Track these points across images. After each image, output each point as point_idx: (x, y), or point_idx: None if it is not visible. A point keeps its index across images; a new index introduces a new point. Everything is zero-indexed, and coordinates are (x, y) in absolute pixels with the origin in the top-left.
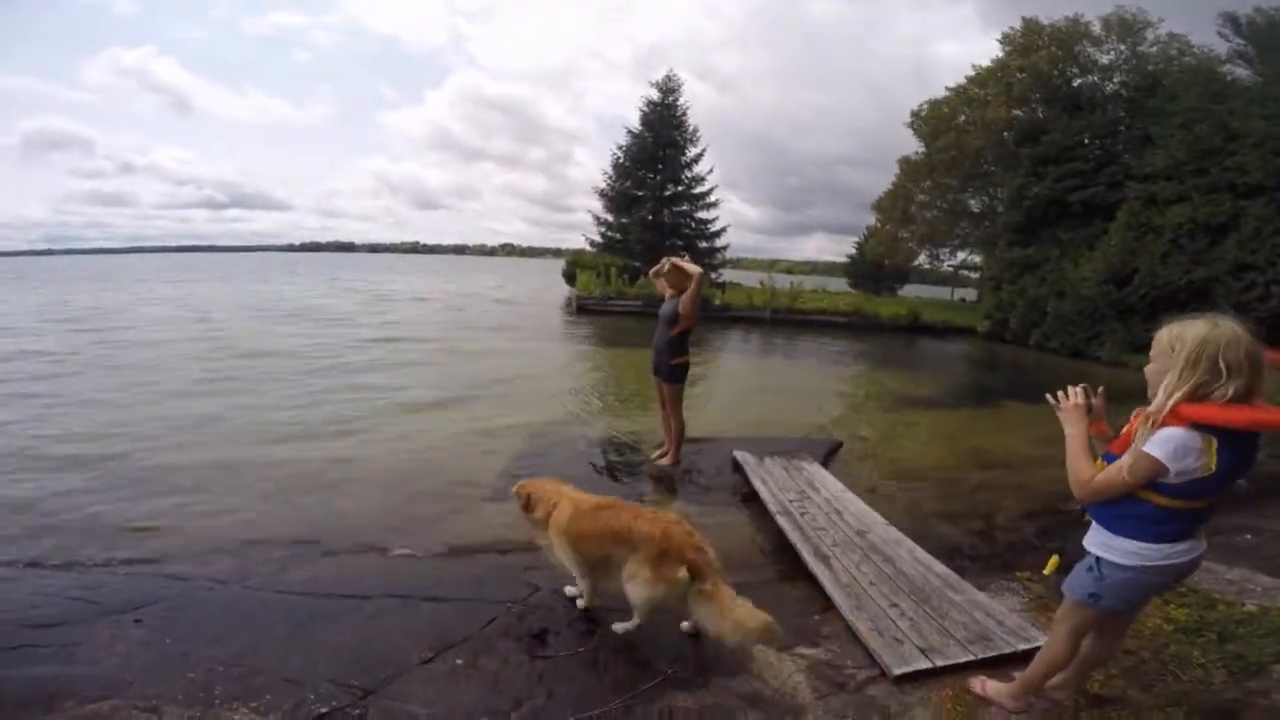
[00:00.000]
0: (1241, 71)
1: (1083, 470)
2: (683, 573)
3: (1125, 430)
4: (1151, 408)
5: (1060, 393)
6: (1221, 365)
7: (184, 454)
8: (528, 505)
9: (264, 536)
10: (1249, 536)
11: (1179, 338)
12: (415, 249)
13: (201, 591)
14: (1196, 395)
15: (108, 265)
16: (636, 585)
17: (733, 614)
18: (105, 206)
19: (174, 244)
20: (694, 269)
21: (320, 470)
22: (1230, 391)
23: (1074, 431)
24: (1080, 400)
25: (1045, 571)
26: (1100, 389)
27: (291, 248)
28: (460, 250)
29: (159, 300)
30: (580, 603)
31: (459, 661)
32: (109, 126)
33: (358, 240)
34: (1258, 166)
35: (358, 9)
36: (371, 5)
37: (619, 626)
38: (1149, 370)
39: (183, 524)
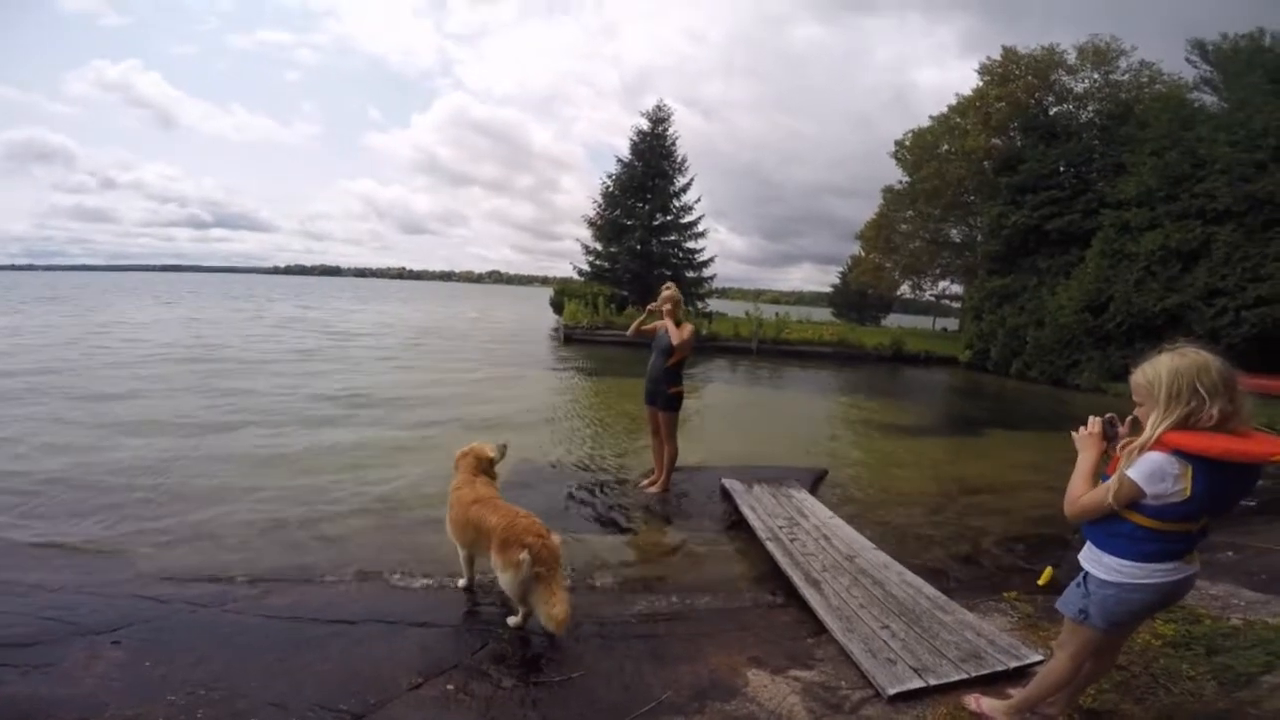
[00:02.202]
0: (1209, 98)
1: (1076, 490)
2: (523, 555)
3: (1115, 457)
4: (1139, 441)
5: (1088, 422)
6: (1200, 390)
7: (161, 478)
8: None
9: (245, 561)
10: (1230, 554)
11: (1154, 377)
12: (402, 274)
13: (181, 614)
14: (1188, 424)
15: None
16: (497, 574)
17: (552, 597)
18: (88, 222)
19: (157, 263)
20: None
21: (303, 497)
22: (1216, 413)
23: (1085, 458)
24: (1097, 430)
25: (1040, 583)
26: (1129, 419)
27: (276, 270)
28: (447, 276)
29: (114, 324)
30: (511, 620)
31: (450, 687)
32: (92, 140)
33: (344, 264)
34: (1225, 193)
35: (345, 29)
36: (359, 25)
37: (511, 620)
38: (1139, 414)
39: (160, 547)
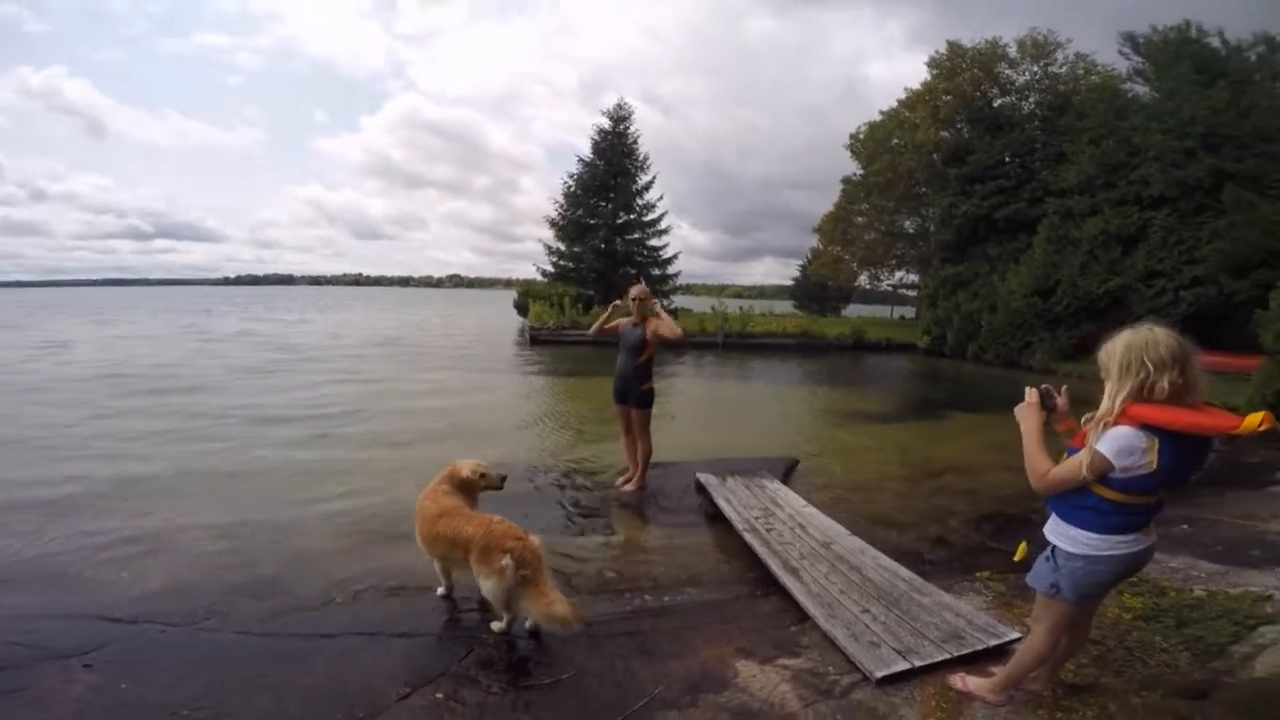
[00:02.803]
0: (1141, 89)
1: (1040, 464)
2: (505, 560)
3: (1080, 432)
4: (1100, 411)
5: (1025, 394)
6: (1147, 363)
7: (118, 498)
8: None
9: (213, 578)
10: (1186, 526)
11: (1110, 351)
12: (359, 281)
13: (152, 634)
14: (1142, 396)
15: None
16: (480, 583)
17: (545, 599)
18: (16, 236)
19: (97, 277)
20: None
21: (272, 510)
22: (1165, 383)
23: (1029, 428)
24: (1034, 400)
25: (1016, 559)
26: (1064, 388)
27: (226, 281)
28: (405, 281)
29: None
30: (496, 626)
31: (439, 695)
32: (17, 150)
33: (297, 272)
34: (1159, 179)
35: (288, 31)
36: (303, 28)
37: (495, 625)
38: (1105, 388)
39: (125, 567)
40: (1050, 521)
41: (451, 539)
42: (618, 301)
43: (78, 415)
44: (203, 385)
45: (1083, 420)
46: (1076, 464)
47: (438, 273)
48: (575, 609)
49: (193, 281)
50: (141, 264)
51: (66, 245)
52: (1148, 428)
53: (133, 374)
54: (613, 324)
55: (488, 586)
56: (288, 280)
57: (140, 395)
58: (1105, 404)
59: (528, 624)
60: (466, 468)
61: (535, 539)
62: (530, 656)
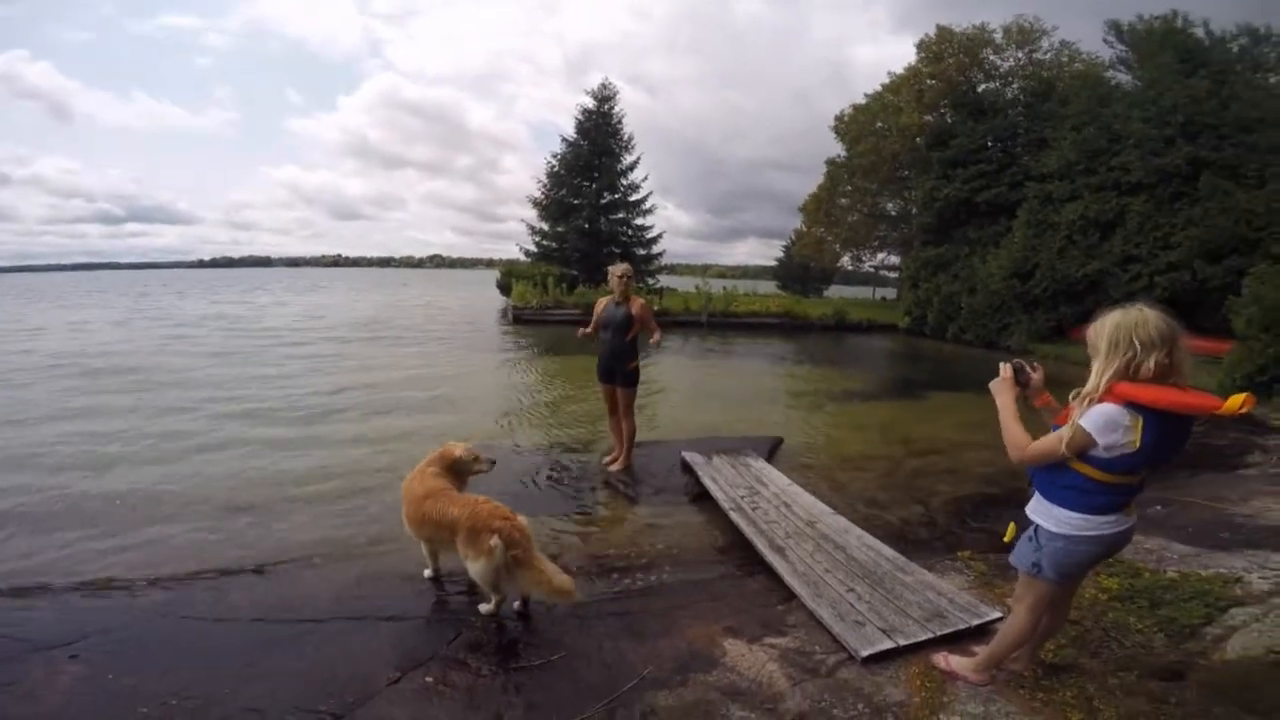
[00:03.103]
0: (1123, 77)
1: (1018, 436)
2: (494, 540)
3: (1066, 409)
4: (1086, 388)
5: (1000, 369)
6: (1135, 342)
7: (92, 483)
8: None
9: (195, 564)
10: (1159, 508)
11: (1099, 328)
12: (338, 262)
13: (138, 624)
14: (1127, 374)
15: None
16: (468, 565)
17: (543, 574)
18: None
19: (67, 261)
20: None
21: (252, 494)
22: (1151, 363)
23: (1003, 402)
24: (1009, 375)
25: (1005, 539)
26: (1036, 364)
27: (201, 264)
28: (386, 262)
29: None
30: (484, 608)
31: (429, 679)
32: None
33: (274, 254)
34: (1138, 166)
35: (258, 11)
36: (274, 8)
37: (483, 607)
38: (1092, 366)
39: (105, 555)
40: (1033, 500)
41: (438, 520)
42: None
43: (47, 408)
44: (177, 373)
45: (1070, 396)
46: (1058, 438)
47: (419, 253)
48: (571, 584)
49: (165, 265)
50: (112, 248)
51: (34, 230)
52: (1132, 405)
53: (106, 365)
54: (596, 305)
55: (476, 568)
56: (265, 262)
57: (110, 382)
58: (1092, 381)
59: (515, 605)
60: (460, 449)
61: (523, 519)
62: (519, 639)
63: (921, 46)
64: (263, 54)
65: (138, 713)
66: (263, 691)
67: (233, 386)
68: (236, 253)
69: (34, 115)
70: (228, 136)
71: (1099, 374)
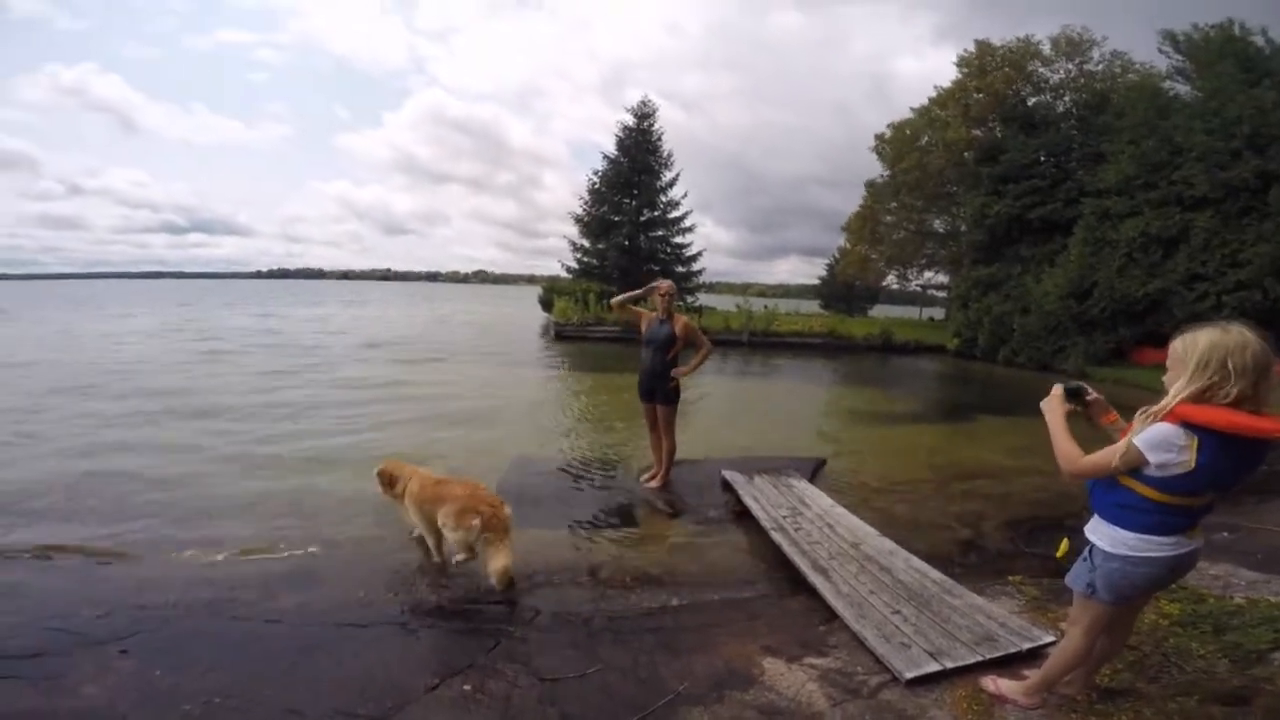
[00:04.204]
0: (1181, 87)
1: (1069, 449)
2: (475, 521)
3: (1129, 425)
4: (1158, 406)
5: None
6: (1230, 368)
7: (149, 481)
8: (390, 483)
9: (244, 565)
10: (1226, 534)
11: (1191, 344)
12: (387, 276)
13: (186, 622)
14: (1202, 397)
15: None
16: (447, 530)
17: (492, 558)
18: (58, 230)
19: (136, 270)
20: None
21: (298, 500)
22: (1234, 393)
23: (1054, 419)
24: (1059, 393)
25: (1058, 555)
26: (1087, 385)
27: (259, 275)
28: (433, 277)
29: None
30: (414, 532)
31: (466, 687)
32: (53, 146)
33: (327, 267)
34: (1202, 180)
35: (309, 27)
36: (324, 24)
37: (455, 558)
38: (1167, 379)
39: (159, 554)
40: (1091, 521)
41: (442, 497)
42: (639, 292)
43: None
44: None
45: (1138, 413)
46: (1111, 453)
47: (464, 268)
48: (507, 568)
49: (226, 275)
50: (176, 257)
51: (104, 239)
52: (1187, 425)
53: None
54: (636, 311)
55: (454, 537)
56: (318, 275)
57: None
58: (1168, 398)
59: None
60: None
61: (508, 510)
62: (556, 650)
63: (962, 62)
64: (313, 69)
65: (180, 710)
66: (304, 694)
67: (294, 390)
68: (291, 264)
69: (103, 127)
70: (281, 151)
71: (1176, 393)
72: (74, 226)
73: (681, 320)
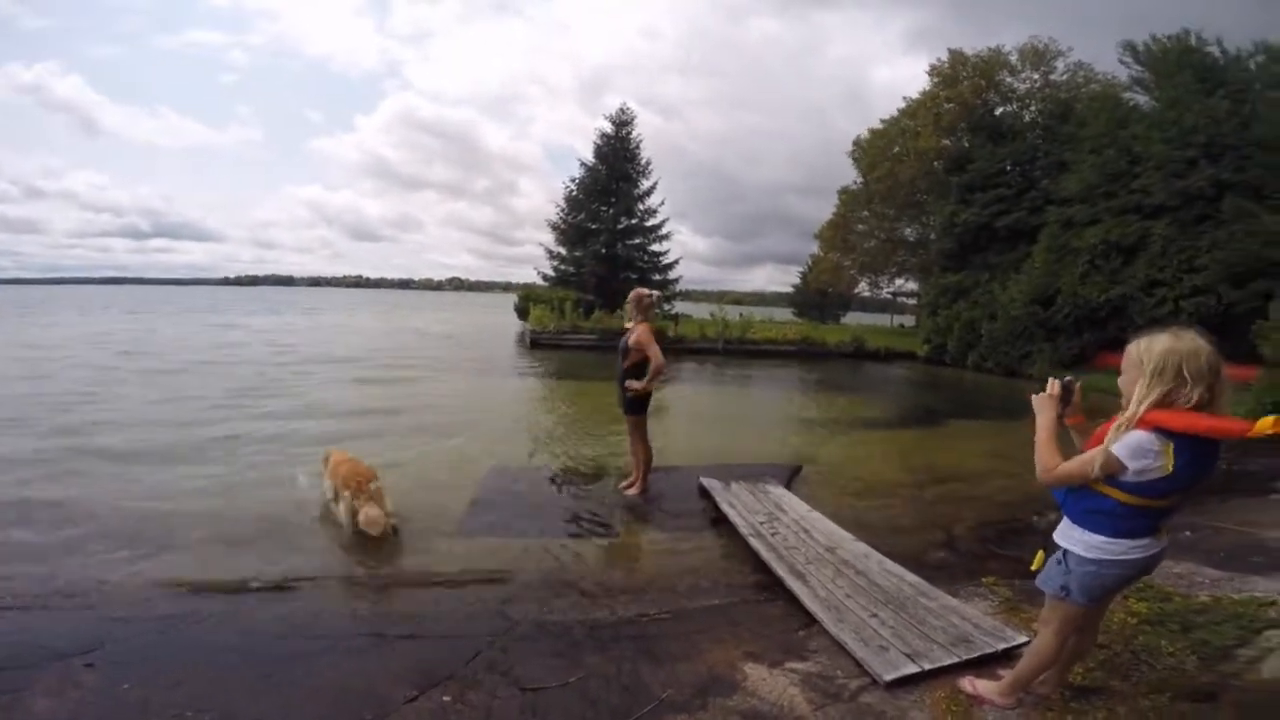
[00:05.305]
0: (1141, 98)
1: (1049, 457)
2: (347, 492)
3: (1097, 431)
4: (1124, 415)
5: (1048, 384)
6: (1185, 374)
7: (102, 491)
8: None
9: (211, 576)
10: (1189, 533)
11: (1146, 351)
12: (359, 283)
13: (153, 634)
14: (1164, 402)
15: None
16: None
17: (360, 510)
18: (14, 234)
19: (96, 275)
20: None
21: (270, 509)
22: (1194, 398)
23: (1044, 419)
24: (1056, 392)
25: (1032, 568)
26: (1079, 382)
27: (226, 281)
28: (406, 284)
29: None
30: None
31: (446, 698)
32: (9, 147)
33: (296, 273)
34: (1160, 188)
35: (281, 29)
36: (296, 26)
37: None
38: (1121, 382)
39: (123, 564)
40: (1061, 525)
41: (334, 473)
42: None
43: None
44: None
45: (1113, 426)
46: (1089, 461)
47: (438, 275)
48: (375, 519)
49: (191, 281)
50: (137, 263)
51: (62, 243)
52: (1161, 431)
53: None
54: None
55: (343, 500)
56: (288, 281)
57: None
58: (1131, 407)
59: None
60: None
61: (377, 483)
62: (538, 660)
63: (934, 71)
64: (285, 71)
65: None
66: (277, 705)
67: (265, 397)
68: (260, 271)
69: (64, 129)
70: (251, 154)
71: (1139, 400)
72: (32, 230)
73: (639, 330)
